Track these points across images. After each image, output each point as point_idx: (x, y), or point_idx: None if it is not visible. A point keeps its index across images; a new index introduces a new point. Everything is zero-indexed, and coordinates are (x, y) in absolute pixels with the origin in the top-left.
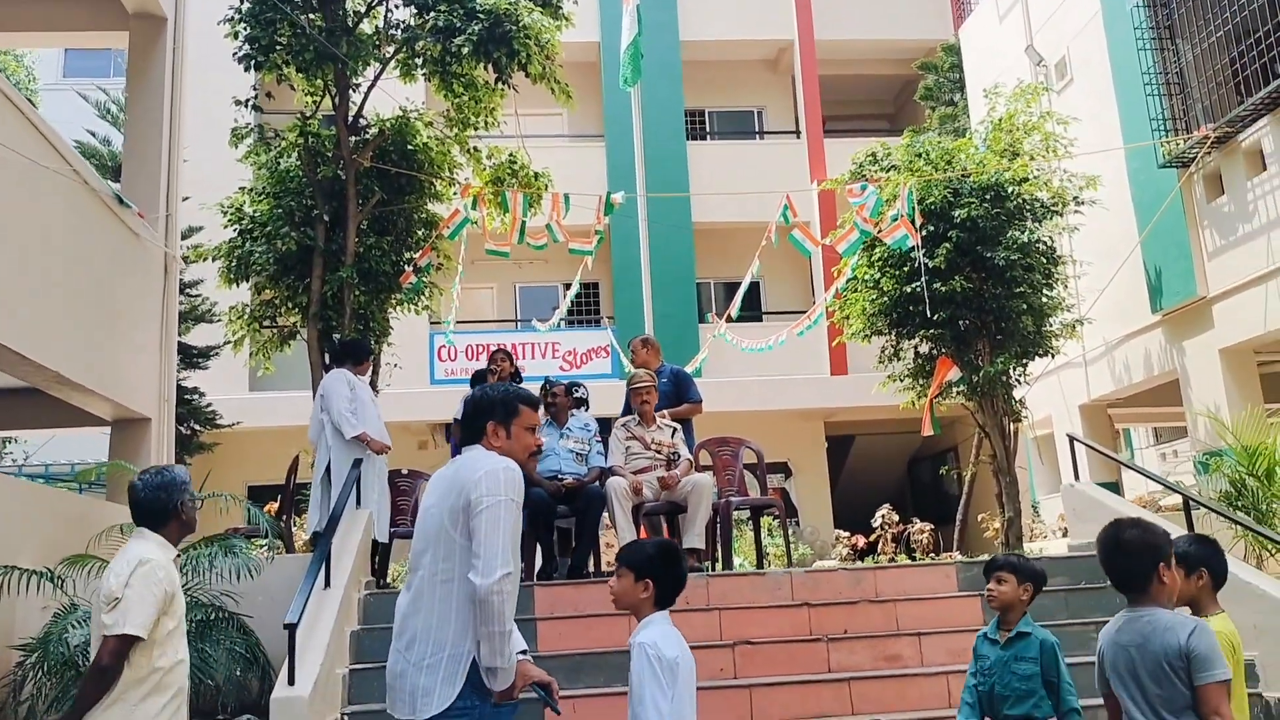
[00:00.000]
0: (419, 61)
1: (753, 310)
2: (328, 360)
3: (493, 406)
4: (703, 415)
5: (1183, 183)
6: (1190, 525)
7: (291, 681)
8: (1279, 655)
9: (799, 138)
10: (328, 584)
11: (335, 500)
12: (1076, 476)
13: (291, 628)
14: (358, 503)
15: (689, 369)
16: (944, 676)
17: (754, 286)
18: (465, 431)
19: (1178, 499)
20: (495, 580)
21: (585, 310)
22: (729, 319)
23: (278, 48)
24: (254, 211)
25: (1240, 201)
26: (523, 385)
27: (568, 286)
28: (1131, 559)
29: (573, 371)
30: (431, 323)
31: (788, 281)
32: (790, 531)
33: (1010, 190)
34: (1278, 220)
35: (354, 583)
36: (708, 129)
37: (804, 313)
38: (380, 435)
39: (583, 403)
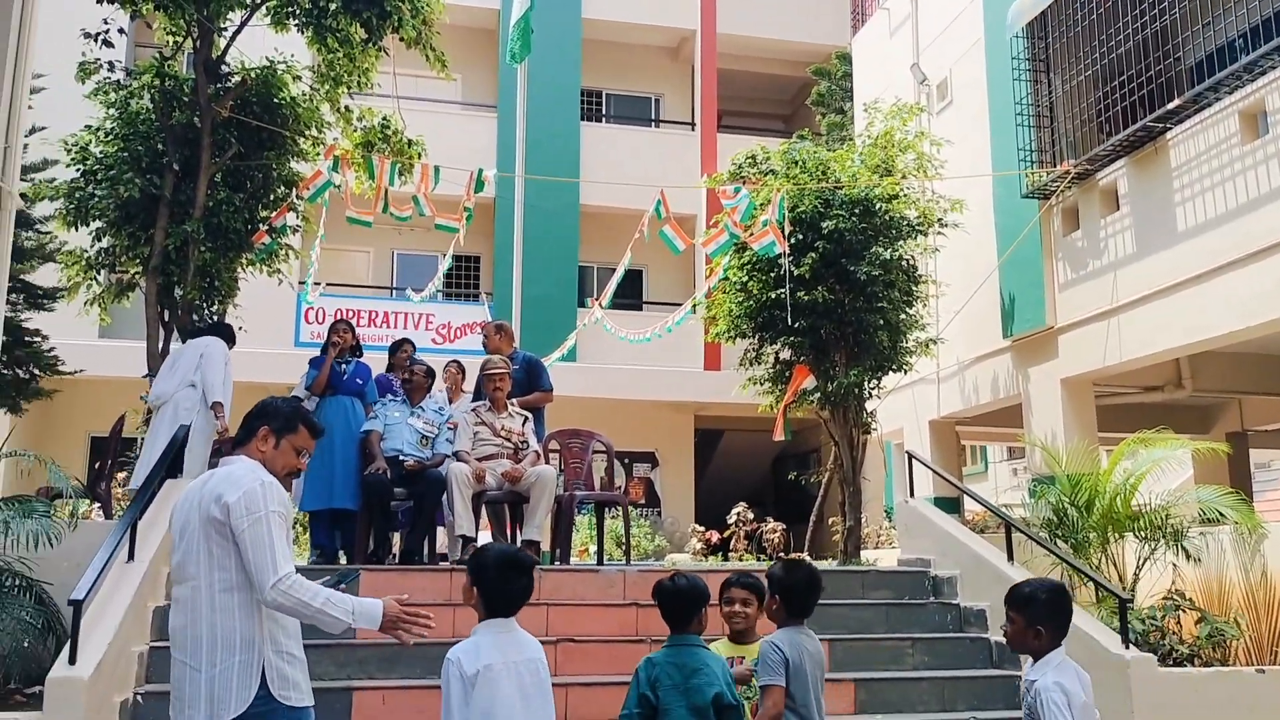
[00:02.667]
0: (292, 11)
1: (634, 298)
2: (166, 323)
3: (276, 414)
4: (576, 401)
5: (1042, 214)
6: (1010, 553)
7: (73, 661)
8: None
9: (694, 129)
10: (131, 557)
11: (156, 466)
12: (912, 492)
13: (77, 604)
14: (179, 471)
15: (560, 352)
16: None
17: (637, 274)
18: (242, 429)
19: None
20: (270, 589)
21: (465, 283)
22: (601, 306)
23: None
24: (100, 152)
25: (1093, 238)
26: (362, 358)
27: (446, 256)
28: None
29: (445, 346)
30: (301, 283)
31: (671, 272)
32: (651, 522)
33: (879, 206)
34: (1124, 260)
35: (165, 555)
36: (604, 110)
37: (682, 304)
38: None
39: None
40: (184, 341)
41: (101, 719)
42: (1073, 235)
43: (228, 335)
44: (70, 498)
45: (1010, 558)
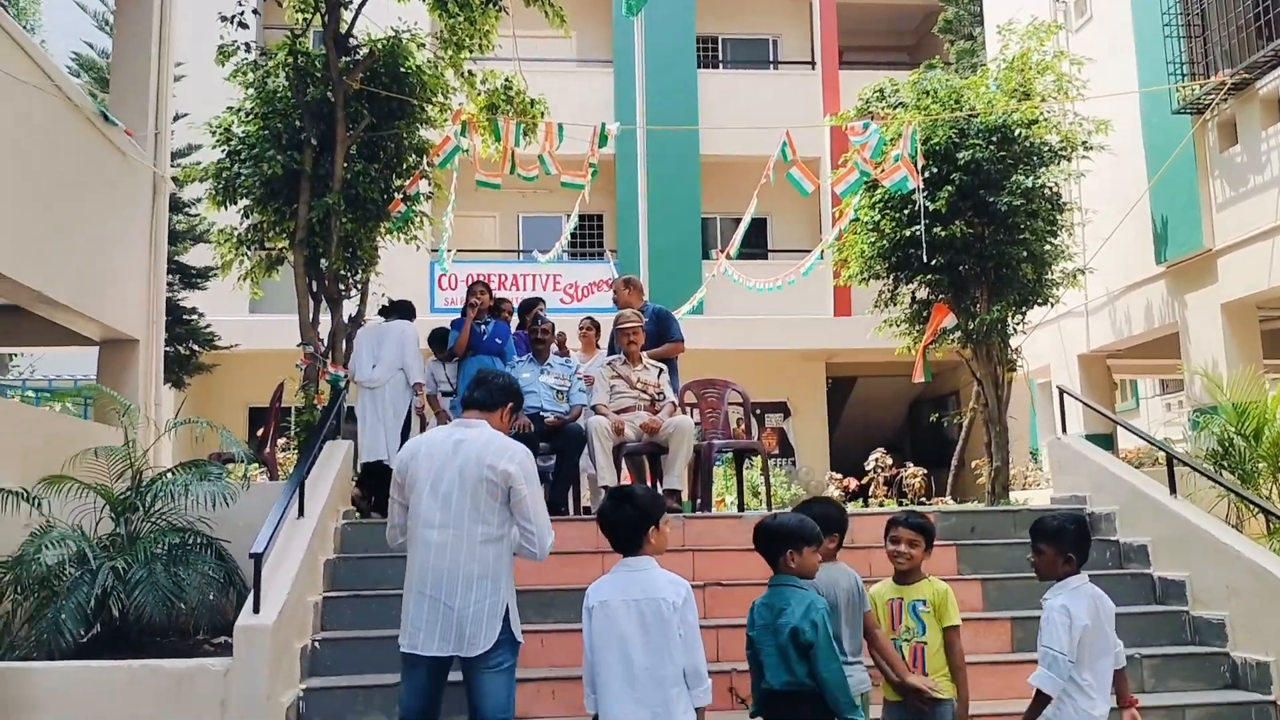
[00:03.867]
0: None
1: (759, 248)
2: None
3: (517, 395)
4: (704, 354)
5: (1196, 130)
6: (1173, 485)
7: (256, 610)
8: (1248, 616)
9: (814, 69)
10: (301, 513)
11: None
12: (1064, 429)
13: (257, 557)
14: (338, 435)
15: (689, 306)
16: None
17: (761, 223)
18: (487, 396)
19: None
20: (549, 545)
21: (589, 243)
22: (728, 256)
23: None
24: (242, 132)
25: (1254, 152)
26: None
27: (570, 217)
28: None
29: (573, 305)
30: (432, 250)
31: (794, 219)
32: (786, 471)
33: (1018, 133)
34: None
35: (330, 512)
36: (720, 56)
37: (809, 251)
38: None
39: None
40: (335, 312)
41: (285, 663)
42: (1230, 150)
43: (412, 315)
44: (242, 461)
45: (1173, 491)
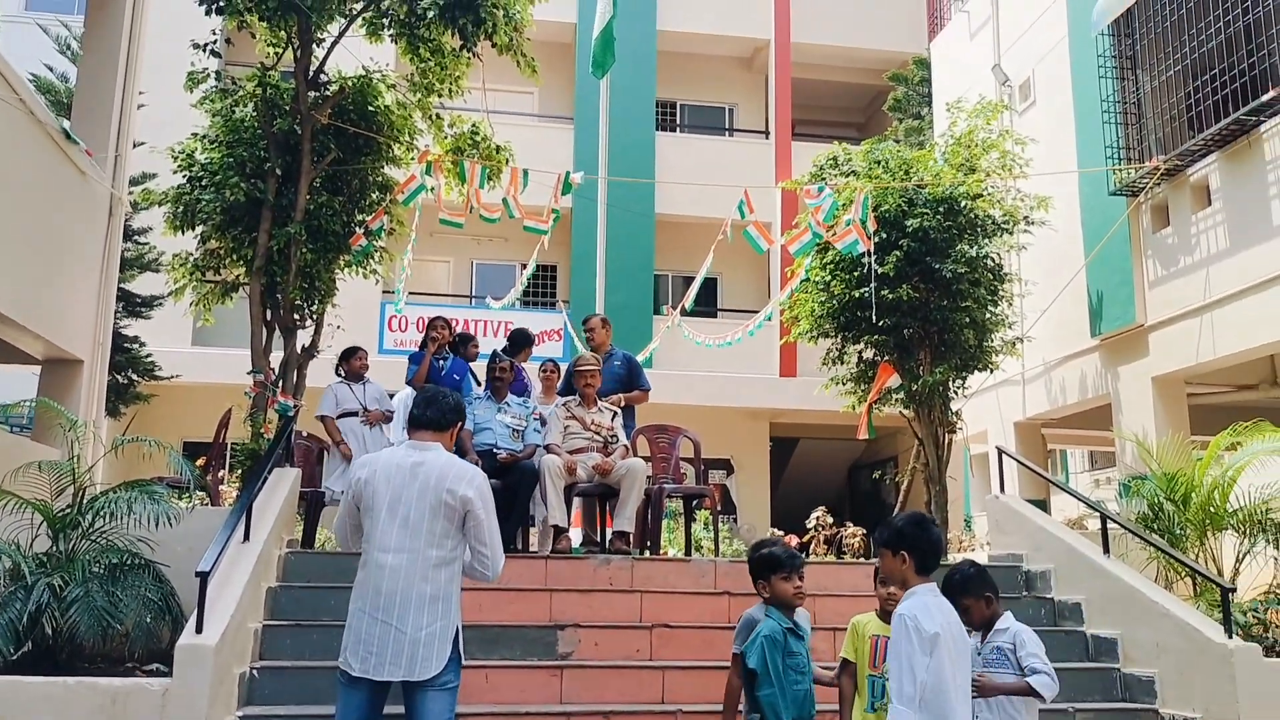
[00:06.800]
0: (386, 21)
1: (708, 306)
2: (268, 322)
3: (464, 414)
4: (649, 406)
5: (1130, 211)
6: (1106, 545)
7: (199, 630)
8: (1176, 674)
9: (768, 138)
10: (246, 538)
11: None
12: (1002, 489)
13: (203, 575)
14: (286, 462)
15: (640, 358)
16: None
17: (711, 282)
18: (439, 415)
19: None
20: (502, 568)
21: (541, 292)
22: (683, 311)
23: None
24: (205, 159)
25: (1184, 234)
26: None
27: (525, 266)
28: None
29: None
30: (384, 292)
31: (745, 280)
32: (727, 528)
33: (963, 204)
34: (1217, 255)
35: (275, 539)
36: (678, 121)
37: (757, 312)
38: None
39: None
40: (288, 341)
41: (224, 688)
42: (1163, 232)
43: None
44: (189, 486)
45: (1106, 551)
